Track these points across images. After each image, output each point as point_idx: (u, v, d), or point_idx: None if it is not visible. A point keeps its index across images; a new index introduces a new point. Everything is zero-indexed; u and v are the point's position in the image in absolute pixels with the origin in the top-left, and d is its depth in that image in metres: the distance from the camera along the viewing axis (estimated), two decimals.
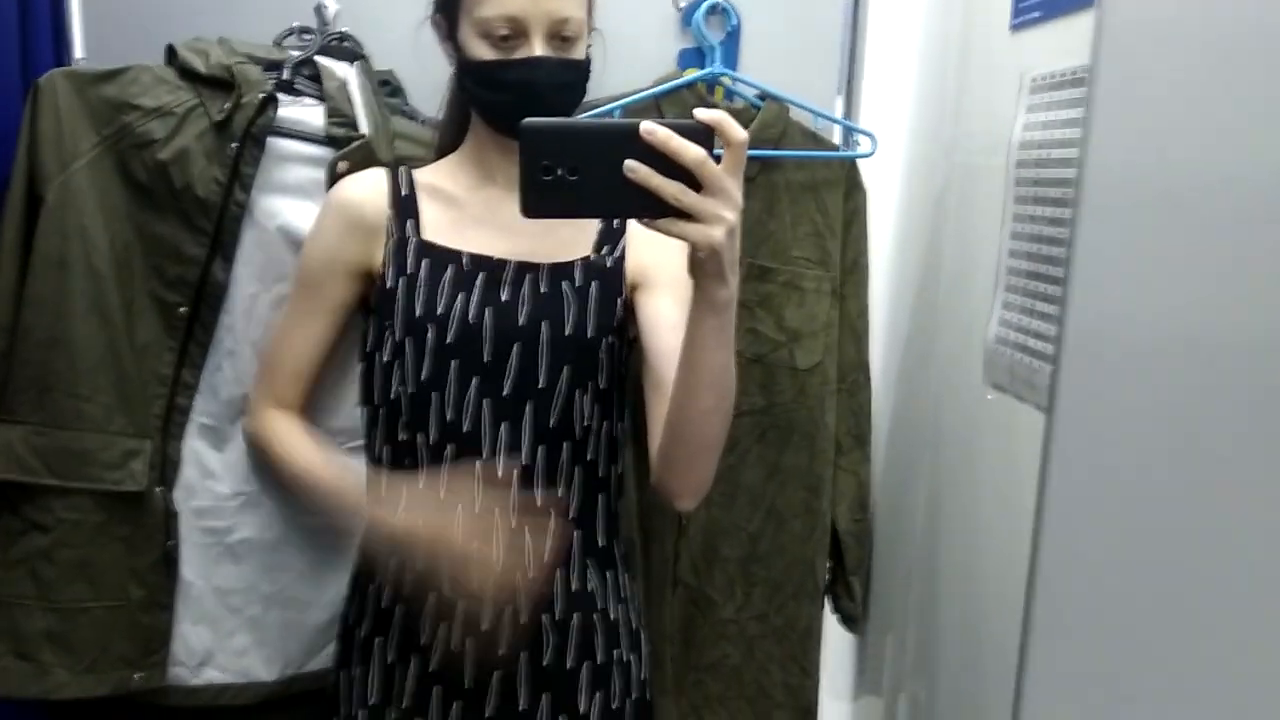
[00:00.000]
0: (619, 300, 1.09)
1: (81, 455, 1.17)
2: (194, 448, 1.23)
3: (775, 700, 1.50)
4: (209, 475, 1.24)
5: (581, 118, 1.10)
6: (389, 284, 1.06)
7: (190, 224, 1.18)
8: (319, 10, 1.35)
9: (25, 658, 1.16)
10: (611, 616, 1.10)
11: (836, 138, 1.50)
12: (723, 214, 0.76)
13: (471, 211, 1.09)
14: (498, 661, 1.05)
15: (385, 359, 1.06)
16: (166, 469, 1.22)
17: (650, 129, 0.74)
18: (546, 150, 0.75)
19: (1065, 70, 1.01)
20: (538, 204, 0.77)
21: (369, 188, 1.10)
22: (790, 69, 1.45)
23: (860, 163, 1.46)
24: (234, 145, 1.15)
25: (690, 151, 0.74)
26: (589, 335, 1.06)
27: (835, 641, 1.64)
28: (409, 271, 1.05)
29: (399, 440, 1.06)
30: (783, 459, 1.47)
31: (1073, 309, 0.72)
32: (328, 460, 1.11)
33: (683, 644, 1.47)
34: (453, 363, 1.04)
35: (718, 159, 0.77)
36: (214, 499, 1.23)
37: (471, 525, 1.00)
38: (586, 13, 1.04)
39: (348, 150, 1.17)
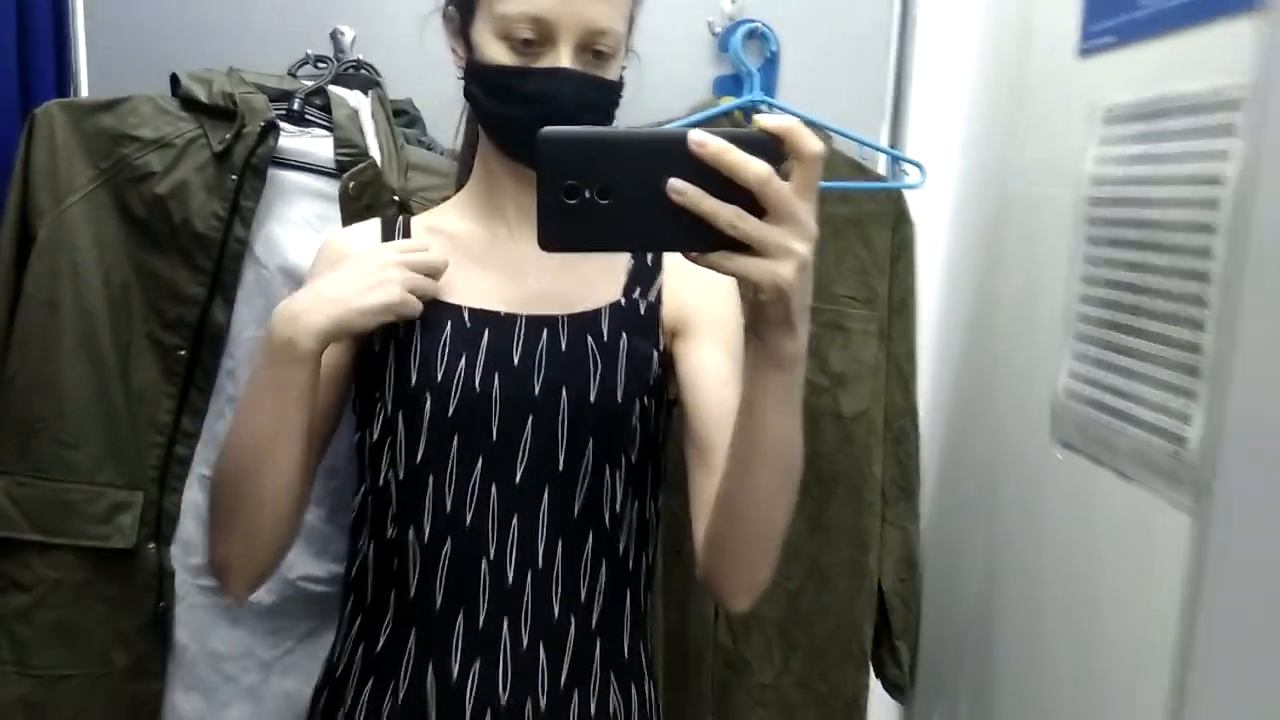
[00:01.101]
0: (655, 354, 0.91)
1: (66, 508, 1.09)
2: (194, 500, 1.15)
3: None
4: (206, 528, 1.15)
5: (615, 127, 0.88)
6: (376, 347, 0.89)
7: (189, 261, 1.11)
8: (335, 37, 1.29)
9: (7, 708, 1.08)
10: None
11: (882, 168, 1.41)
12: (793, 246, 0.60)
13: (473, 252, 0.93)
14: None
15: (374, 438, 0.89)
16: (162, 523, 1.14)
17: (701, 139, 0.59)
18: (571, 166, 0.60)
19: (1145, 102, 0.91)
20: (559, 234, 0.61)
21: (359, 237, 0.95)
22: (832, 95, 1.36)
23: (908, 194, 1.36)
24: (233, 178, 1.08)
25: (752, 168, 0.58)
26: (619, 401, 0.87)
27: (878, 710, 1.51)
28: (400, 333, 0.88)
29: (386, 538, 0.88)
30: (826, 513, 1.37)
31: (1237, 390, 0.60)
32: None
33: (717, 711, 1.36)
34: (454, 441, 0.86)
35: (784, 175, 0.61)
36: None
37: None
38: (626, 28, 0.88)
39: (357, 170, 1.09)
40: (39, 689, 1.09)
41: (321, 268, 0.92)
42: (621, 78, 0.91)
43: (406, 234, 0.95)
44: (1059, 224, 1.06)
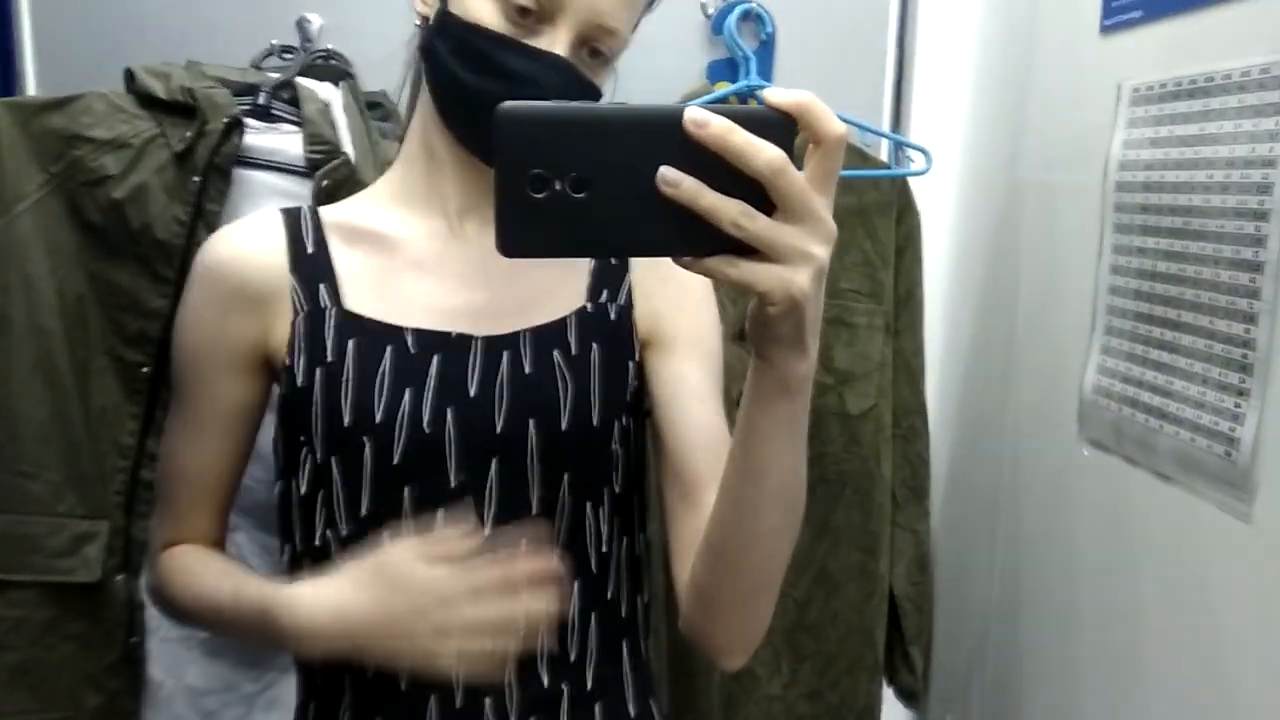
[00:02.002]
0: (631, 364, 0.78)
1: (25, 542, 1.02)
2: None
3: None
4: None
5: (591, 103, 0.66)
6: (299, 380, 0.73)
7: (150, 271, 1.03)
8: (301, 26, 1.21)
9: None
10: None
11: (885, 155, 1.34)
12: (809, 249, 0.49)
13: (410, 256, 0.77)
14: None
15: (303, 491, 0.74)
16: (131, 552, 1.06)
17: (701, 119, 0.47)
18: (537, 151, 0.48)
19: (1180, 80, 0.85)
20: (524, 236, 0.48)
21: (254, 238, 0.77)
22: (831, 79, 1.30)
23: (912, 182, 1.30)
24: (196, 180, 1.00)
25: (763, 154, 0.47)
26: (596, 425, 0.75)
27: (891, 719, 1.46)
28: (328, 360, 0.73)
29: None
30: (833, 517, 1.31)
31: None
32: (231, 569, 0.78)
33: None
34: (404, 492, 0.72)
35: (797, 163, 0.50)
36: None
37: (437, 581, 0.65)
38: (627, 40, 0.75)
39: (330, 167, 1.02)
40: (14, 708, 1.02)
41: (199, 288, 0.77)
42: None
43: (317, 230, 0.78)
44: (1079, 211, 1.00)
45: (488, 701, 0.72)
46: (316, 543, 0.74)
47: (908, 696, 1.41)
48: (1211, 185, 0.80)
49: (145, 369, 1.05)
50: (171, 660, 1.08)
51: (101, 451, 1.05)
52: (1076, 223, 1.01)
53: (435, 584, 0.64)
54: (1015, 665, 1.16)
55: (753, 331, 0.55)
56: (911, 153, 1.31)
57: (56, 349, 1.03)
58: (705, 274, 0.50)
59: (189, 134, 1.01)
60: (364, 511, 0.72)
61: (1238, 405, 0.76)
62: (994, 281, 1.26)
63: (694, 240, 0.49)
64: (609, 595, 0.78)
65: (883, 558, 1.33)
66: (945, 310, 1.39)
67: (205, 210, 1.01)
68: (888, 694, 1.42)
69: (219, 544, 0.81)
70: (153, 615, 1.06)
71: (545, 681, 0.74)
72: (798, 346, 0.54)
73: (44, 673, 1.03)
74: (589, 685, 0.76)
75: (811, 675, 1.33)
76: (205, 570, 0.77)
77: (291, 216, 0.79)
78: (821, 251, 0.50)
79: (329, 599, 0.66)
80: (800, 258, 0.49)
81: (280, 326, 0.75)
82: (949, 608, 1.39)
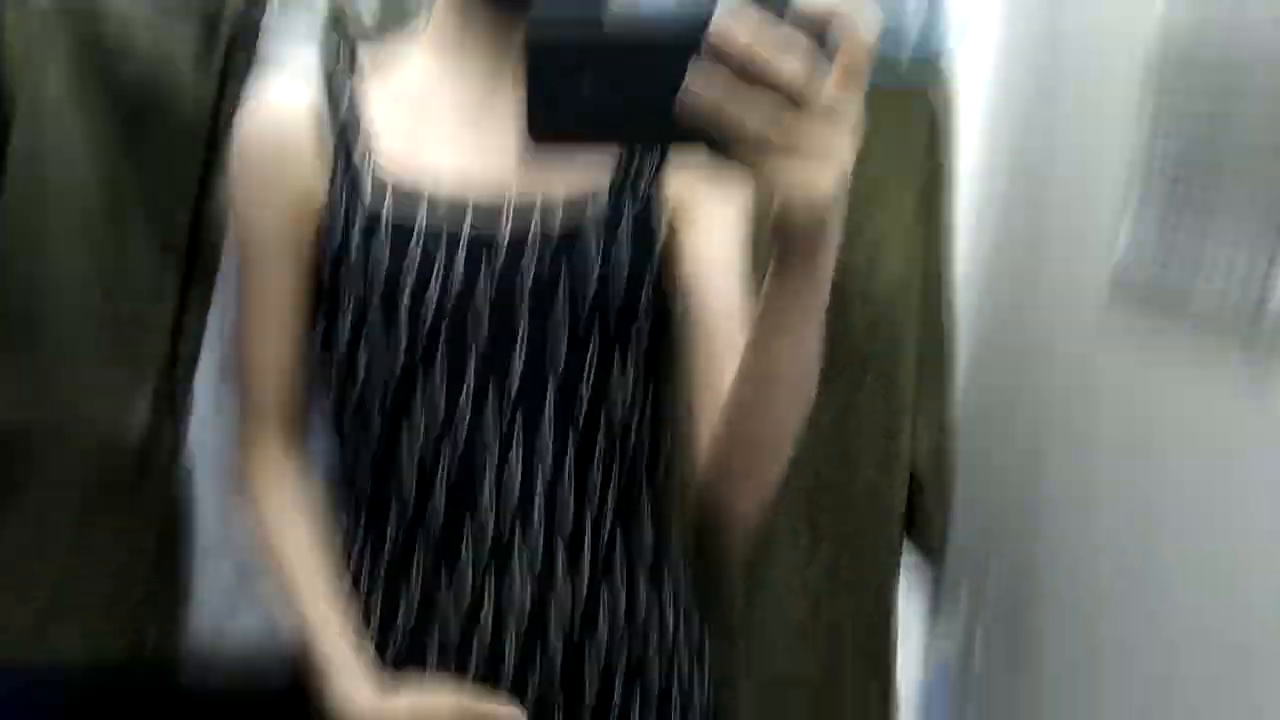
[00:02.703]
0: (660, 232, 0.81)
1: (71, 405, 1.05)
2: (202, 395, 1.11)
3: (847, 653, 1.38)
4: (219, 428, 1.11)
5: (619, 9, 0.80)
6: (337, 239, 0.77)
7: (180, 144, 1.03)
8: None
9: (20, 621, 1.07)
10: (668, 647, 0.87)
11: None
12: (834, 148, 0.50)
13: (441, 118, 0.79)
14: (529, 706, 0.82)
15: (342, 351, 0.78)
16: (175, 418, 1.09)
17: (725, 33, 0.48)
18: (564, 53, 0.51)
19: None
20: (551, 123, 0.52)
21: (287, 103, 0.79)
22: None
23: (950, 47, 1.26)
24: (222, 46, 0.99)
25: (785, 72, 0.49)
26: (625, 284, 0.78)
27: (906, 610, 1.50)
28: (364, 219, 0.76)
29: (373, 453, 0.80)
30: (856, 398, 1.31)
31: None
32: (321, 593, 0.83)
33: (745, 602, 1.34)
34: (440, 347, 0.77)
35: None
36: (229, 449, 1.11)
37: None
38: None
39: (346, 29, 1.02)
40: (58, 584, 1.07)
41: (245, 157, 0.79)
42: None
43: (350, 90, 0.79)
44: (1122, 71, 0.98)
45: (517, 525, 0.79)
46: (357, 396, 0.79)
47: (924, 572, 1.45)
48: (1260, 43, 0.78)
49: (178, 242, 1.06)
50: (217, 521, 1.12)
51: (142, 324, 1.07)
52: (1119, 82, 0.99)
53: None
54: (1032, 543, 1.19)
55: (776, 229, 0.56)
56: (945, 21, 1.26)
57: (93, 224, 1.04)
58: (731, 170, 0.51)
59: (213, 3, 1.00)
60: (400, 367, 0.77)
61: (1270, 268, 0.76)
62: (1027, 151, 1.24)
63: (722, 137, 0.50)
64: (631, 447, 0.82)
65: (904, 437, 1.34)
66: (977, 186, 1.38)
67: (234, 73, 1.01)
68: (905, 572, 1.45)
69: (300, 434, 0.86)
70: (199, 481, 1.11)
71: (571, 518, 0.80)
72: (818, 246, 0.56)
73: (96, 528, 1.07)
74: (609, 521, 0.82)
75: (830, 554, 1.36)
76: (302, 553, 0.84)
77: (324, 77, 0.80)
78: (847, 150, 0.51)
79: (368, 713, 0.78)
80: (825, 158, 0.50)
81: (318, 187, 0.77)
82: (969, 485, 1.41)
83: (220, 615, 1.14)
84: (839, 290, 1.25)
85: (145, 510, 1.10)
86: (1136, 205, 0.95)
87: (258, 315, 0.82)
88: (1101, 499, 1.03)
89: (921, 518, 1.40)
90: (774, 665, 1.37)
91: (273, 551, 0.84)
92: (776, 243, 0.57)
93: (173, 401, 1.09)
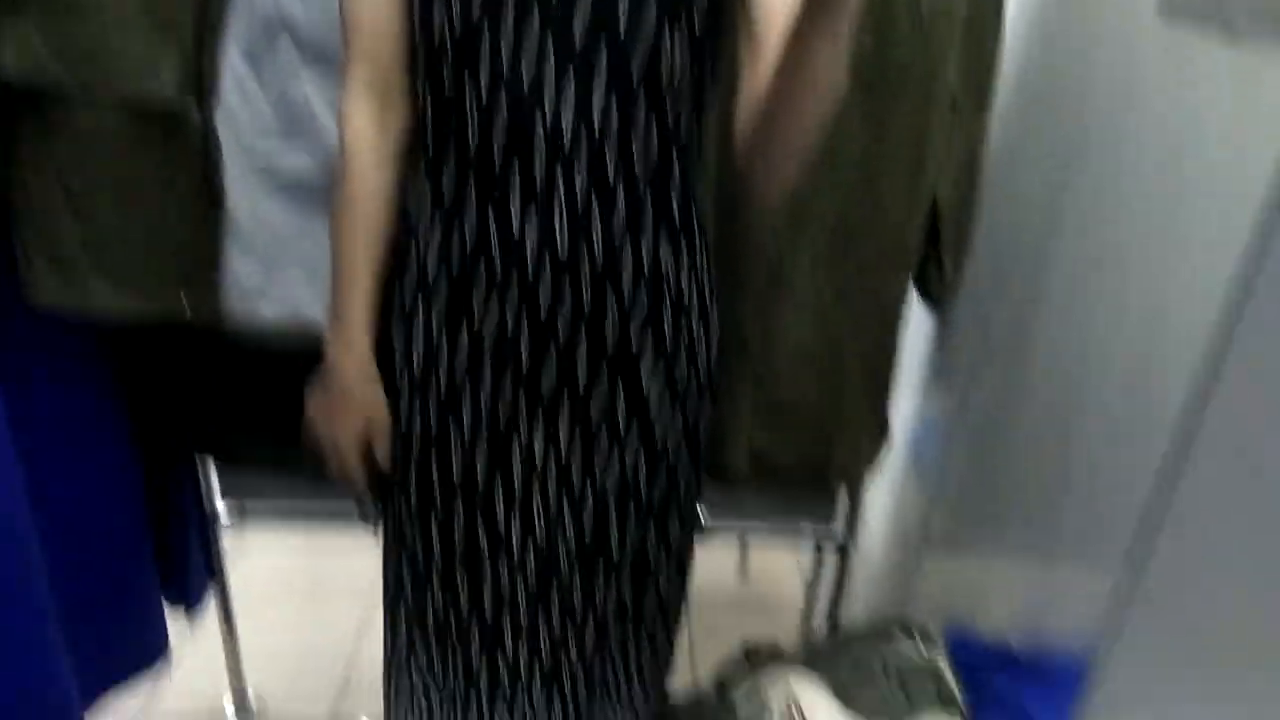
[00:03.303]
0: None
1: (105, 57, 1.04)
2: (233, 66, 1.09)
3: (851, 382, 1.43)
4: (249, 99, 1.11)
5: None
6: None
7: None
8: None
9: (61, 268, 1.11)
10: (683, 291, 0.98)
11: None
12: None
13: None
14: (556, 338, 0.95)
15: (421, 5, 0.88)
16: (203, 84, 1.09)
17: None
18: None
19: None
20: None
21: None
22: None
23: None
24: None
25: None
26: None
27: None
28: None
29: (444, 95, 0.90)
30: (890, 121, 1.28)
31: None
32: (363, 257, 0.98)
33: (756, 316, 1.38)
34: (505, 6, 0.85)
35: None
36: (258, 129, 1.11)
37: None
38: None
39: None
40: (98, 235, 1.10)
41: None
42: None
43: None
44: None
45: (560, 172, 0.89)
46: (435, 42, 0.89)
47: (934, 303, 1.48)
48: None
49: None
50: (248, 197, 1.14)
51: None
52: None
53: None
54: (1045, 275, 1.20)
55: None
56: None
57: None
58: None
59: None
60: (475, 15, 0.86)
61: None
62: None
63: None
64: (671, 113, 0.91)
65: (931, 160, 1.32)
66: None
67: None
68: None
69: (401, 90, 0.95)
70: (229, 153, 1.11)
71: (610, 170, 0.90)
72: None
73: (133, 184, 1.09)
74: (643, 181, 0.92)
75: (842, 278, 1.37)
76: (355, 203, 0.96)
77: None
78: None
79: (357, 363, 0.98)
80: None
81: None
82: (991, 220, 1.41)
83: (248, 291, 1.18)
84: (887, 4, 1.21)
85: (176, 178, 1.11)
86: None
87: None
88: (1127, 219, 1.04)
89: (937, 253, 1.41)
90: (778, 389, 1.42)
91: (341, 197, 0.96)
92: None
93: (200, 72, 1.08)
